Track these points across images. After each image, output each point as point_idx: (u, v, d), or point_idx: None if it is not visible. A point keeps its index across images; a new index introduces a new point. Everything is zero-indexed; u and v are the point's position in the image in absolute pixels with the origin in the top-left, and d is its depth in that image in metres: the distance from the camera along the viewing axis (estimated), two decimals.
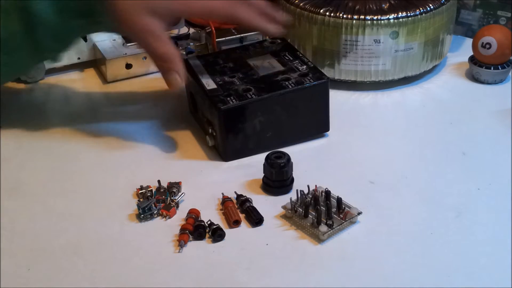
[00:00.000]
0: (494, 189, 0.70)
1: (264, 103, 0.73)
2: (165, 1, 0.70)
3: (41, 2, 0.69)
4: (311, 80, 0.75)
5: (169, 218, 0.66)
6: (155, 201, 0.67)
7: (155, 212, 0.66)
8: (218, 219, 0.66)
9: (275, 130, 0.75)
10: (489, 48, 0.87)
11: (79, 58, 0.91)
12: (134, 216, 0.67)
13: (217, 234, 0.64)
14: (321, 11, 0.85)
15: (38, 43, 0.71)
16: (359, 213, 0.65)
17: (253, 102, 0.73)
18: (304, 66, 0.77)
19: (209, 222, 0.65)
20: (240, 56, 0.80)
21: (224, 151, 0.74)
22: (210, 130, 0.74)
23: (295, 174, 0.70)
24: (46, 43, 0.71)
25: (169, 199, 0.68)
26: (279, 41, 0.83)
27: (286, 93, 0.74)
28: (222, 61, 0.79)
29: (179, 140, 0.78)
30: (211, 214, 0.66)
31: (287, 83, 0.74)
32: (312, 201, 0.66)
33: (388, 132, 0.80)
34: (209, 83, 0.75)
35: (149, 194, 0.68)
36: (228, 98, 0.72)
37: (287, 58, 0.79)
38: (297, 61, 0.78)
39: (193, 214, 0.66)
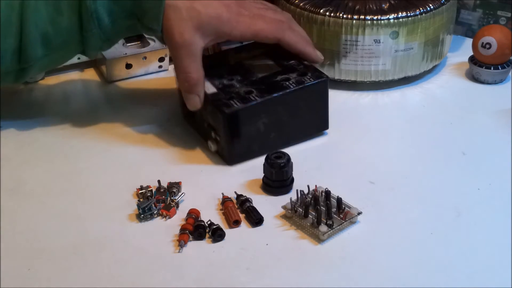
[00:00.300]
0: (494, 189, 0.70)
1: (268, 104, 0.73)
2: (214, 21, 0.71)
3: (97, 1, 0.70)
4: (311, 79, 0.75)
5: (169, 218, 0.66)
6: (155, 201, 0.67)
7: (155, 212, 0.66)
8: (218, 219, 0.66)
9: (278, 130, 0.75)
10: (489, 48, 0.87)
11: (79, 58, 0.91)
12: (134, 216, 0.67)
13: (217, 234, 0.64)
14: (321, 11, 0.85)
15: (86, 40, 0.72)
16: (359, 213, 0.65)
17: (257, 104, 0.72)
18: (301, 66, 0.77)
19: (209, 222, 0.65)
20: (234, 58, 0.80)
21: (230, 155, 0.74)
22: (213, 135, 0.74)
23: (295, 174, 0.70)
24: (93, 42, 0.73)
25: (169, 199, 0.68)
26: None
27: (288, 93, 0.73)
28: (217, 64, 0.78)
29: (179, 140, 0.78)
30: (211, 214, 0.66)
31: (287, 83, 0.74)
32: (312, 201, 0.66)
33: (388, 132, 0.80)
34: (208, 87, 0.74)
35: (149, 194, 0.68)
36: (231, 101, 0.72)
37: (282, 58, 0.78)
38: (292, 61, 0.78)
39: (193, 214, 0.66)
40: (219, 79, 0.75)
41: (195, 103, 0.73)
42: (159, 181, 0.70)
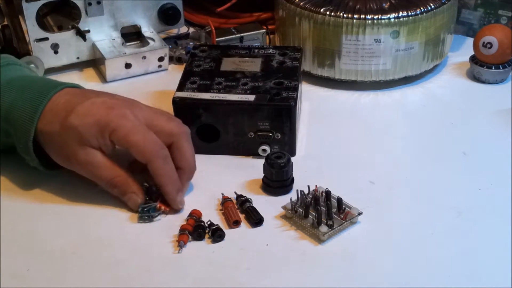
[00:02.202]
0: (495, 189, 0.70)
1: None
2: (93, 129, 0.66)
3: None
4: (295, 53, 0.81)
5: (167, 213, 0.66)
6: (157, 205, 0.67)
7: (156, 214, 0.66)
8: (218, 219, 0.66)
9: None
10: (490, 47, 0.87)
11: (78, 58, 0.91)
12: (134, 216, 0.67)
13: (217, 235, 0.63)
14: (322, 10, 0.84)
15: None
16: (360, 213, 0.65)
17: (298, 88, 0.76)
18: (270, 50, 0.82)
19: (209, 223, 0.65)
20: (211, 70, 0.79)
21: (294, 145, 0.75)
22: (271, 136, 0.73)
23: (295, 174, 0.70)
24: None
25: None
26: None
27: (299, 70, 0.79)
28: (207, 79, 0.77)
29: None
30: (211, 214, 0.66)
31: (289, 64, 0.79)
32: (312, 201, 0.66)
33: (388, 132, 0.80)
34: (239, 97, 0.74)
35: (154, 189, 0.68)
36: (277, 97, 0.73)
37: (252, 52, 0.81)
38: (257, 50, 0.82)
39: (195, 215, 0.65)
40: (233, 88, 0.75)
41: (135, 201, 0.67)
42: None
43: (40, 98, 0.68)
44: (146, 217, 0.66)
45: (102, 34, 0.91)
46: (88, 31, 0.90)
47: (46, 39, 0.88)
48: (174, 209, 0.67)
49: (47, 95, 0.68)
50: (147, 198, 0.68)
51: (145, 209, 0.66)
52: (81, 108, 0.67)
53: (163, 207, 0.67)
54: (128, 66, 0.89)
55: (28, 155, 0.68)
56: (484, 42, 0.87)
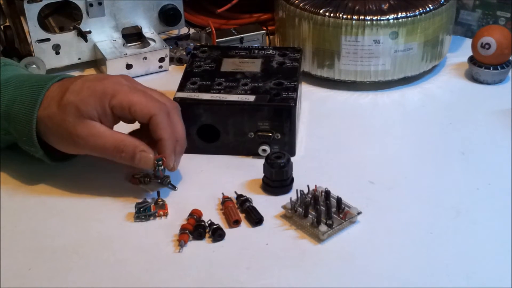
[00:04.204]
0: (493, 189, 0.70)
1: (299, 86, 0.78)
2: (92, 100, 0.66)
3: None
4: (295, 54, 0.82)
5: (167, 215, 0.67)
6: (153, 204, 0.67)
7: (152, 213, 0.66)
8: (218, 219, 0.66)
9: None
10: (489, 48, 0.87)
11: (79, 59, 0.91)
12: (134, 216, 0.67)
13: (217, 234, 0.64)
14: (321, 11, 0.85)
15: None
16: (359, 213, 0.66)
17: (298, 89, 0.76)
18: (270, 51, 0.82)
19: (209, 222, 0.65)
20: (211, 70, 0.79)
21: (294, 145, 0.75)
22: (271, 136, 0.74)
23: (295, 174, 0.70)
24: None
25: (159, 199, 0.68)
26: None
27: (299, 70, 0.80)
28: (207, 79, 0.78)
29: None
30: (211, 214, 0.67)
31: (289, 64, 0.79)
32: (312, 201, 0.66)
33: (388, 132, 0.81)
34: (239, 98, 0.74)
35: (147, 178, 0.69)
36: (277, 98, 0.74)
37: (252, 53, 0.82)
38: (256, 51, 0.82)
39: (195, 215, 0.66)
40: (234, 89, 0.75)
41: (146, 159, 0.67)
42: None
43: (38, 90, 0.68)
44: (142, 217, 0.66)
45: (103, 35, 0.91)
46: (89, 32, 0.90)
47: (48, 40, 0.89)
48: (167, 167, 0.68)
49: (45, 86, 0.68)
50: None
51: (141, 208, 0.66)
52: (74, 86, 0.67)
53: (161, 212, 0.67)
54: (129, 66, 0.90)
55: (32, 146, 0.69)
56: (482, 43, 0.87)
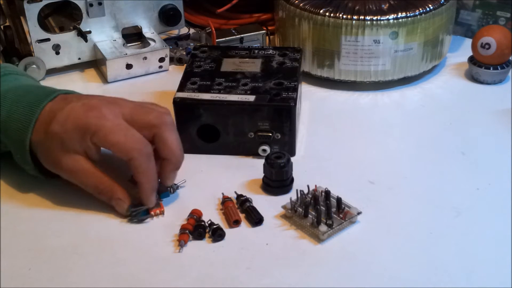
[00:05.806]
0: (493, 189, 0.70)
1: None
2: (76, 134, 0.65)
3: None
4: (295, 54, 0.82)
5: (163, 214, 0.67)
6: (147, 208, 0.67)
7: (145, 218, 0.66)
8: (218, 219, 0.66)
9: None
10: (489, 48, 0.87)
11: (79, 59, 0.91)
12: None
13: (217, 234, 0.64)
14: (321, 11, 0.85)
15: None
16: (359, 213, 0.66)
17: (298, 89, 0.76)
18: (270, 51, 0.82)
19: (209, 222, 0.65)
20: (211, 70, 0.79)
21: (294, 145, 0.75)
22: (271, 136, 0.74)
23: (295, 174, 0.70)
24: None
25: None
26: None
27: (299, 70, 0.80)
28: (207, 79, 0.78)
29: None
30: (211, 214, 0.67)
31: (289, 64, 0.79)
32: (312, 201, 0.66)
33: (388, 132, 0.81)
34: (239, 98, 0.74)
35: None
36: (277, 98, 0.74)
37: (252, 53, 0.81)
38: (256, 51, 0.82)
39: (195, 215, 0.66)
40: (234, 89, 0.75)
41: (122, 207, 0.67)
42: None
43: (33, 110, 0.68)
44: (135, 220, 0.66)
45: (103, 35, 0.91)
46: (89, 32, 0.90)
47: (48, 40, 0.89)
48: (144, 202, 0.67)
49: (40, 105, 0.68)
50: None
51: (133, 213, 0.66)
52: (61, 115, 0.66)
53: (158, 211, 0.67)
54: (129, 66, 0.90)
55: (26, 164, 0.69)
56: (482, 43, 0.87)
